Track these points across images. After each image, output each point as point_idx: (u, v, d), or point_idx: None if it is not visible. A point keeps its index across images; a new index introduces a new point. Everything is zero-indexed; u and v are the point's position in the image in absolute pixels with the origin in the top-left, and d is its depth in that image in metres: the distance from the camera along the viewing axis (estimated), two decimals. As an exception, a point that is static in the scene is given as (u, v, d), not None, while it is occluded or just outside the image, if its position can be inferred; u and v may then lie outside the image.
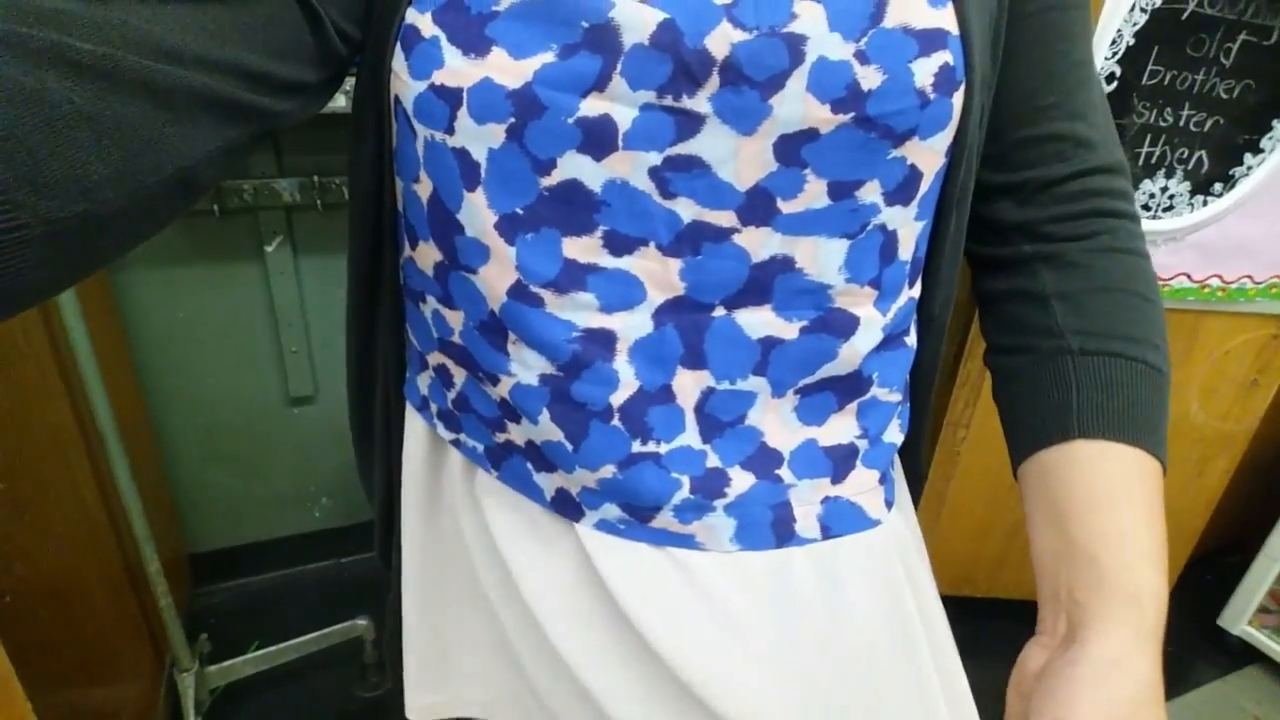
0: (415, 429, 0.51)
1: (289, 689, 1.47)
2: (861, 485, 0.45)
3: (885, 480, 0.47)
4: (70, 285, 0.30)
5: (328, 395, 1.62)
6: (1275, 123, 1.14)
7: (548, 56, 0.34)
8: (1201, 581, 1.81)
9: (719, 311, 0.39)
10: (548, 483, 0.44)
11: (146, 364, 1.45)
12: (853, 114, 0.35)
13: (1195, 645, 1.77)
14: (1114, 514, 0.39)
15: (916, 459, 0.54)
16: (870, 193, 0.37)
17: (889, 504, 0.47)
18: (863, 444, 0.45)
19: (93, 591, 1.12)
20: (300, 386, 1.57)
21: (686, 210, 0.37)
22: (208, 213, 1.34)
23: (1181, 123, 1.14)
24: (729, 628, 0.43)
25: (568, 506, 0.44)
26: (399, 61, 0.38)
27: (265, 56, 0.33)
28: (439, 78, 0.36)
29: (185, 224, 1.37)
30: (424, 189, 0.40)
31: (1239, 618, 1.70)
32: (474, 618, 0.51)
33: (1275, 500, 1.59)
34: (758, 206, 0.37)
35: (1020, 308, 0.45)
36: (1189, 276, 1.26)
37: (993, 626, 1.74)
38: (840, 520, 0.45)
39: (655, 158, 0.36)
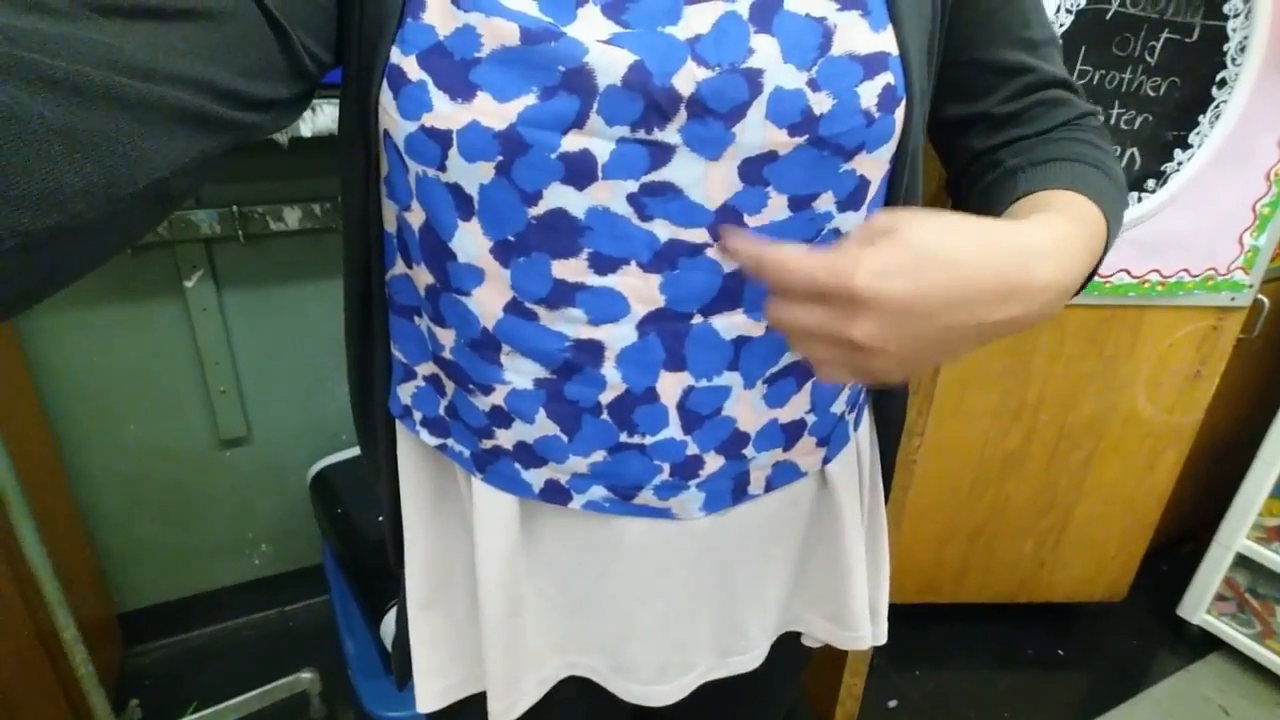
0: (406, 437, 0.54)
1: (232, 751, 1.38)
2: (804, 449, 0.51)
3: (824, 443, 0.53)
4: (40, 300, 0.31)
5: (262, 435, 1.54)
6: (1201, 119, 1.16)
7: (529, 99, 0.37)
8: (1158, 573, 1.83)
9: (697, 319, 0.43)
10: (536, 477, 0.48)
11: (59, 413, 1.36)
12: (807, 136, 0.39)
13: (1157, 637, 1.79)
14: (1034, 211, 0.42)
15: (893, 413, 0.61)
16: (825, 203, 0.42)
17: (825, 460, 0.55)
18: (810, 418, 0.50)
19: (5, 665, 1.03)
20: (231, 428, 1.49)
21: (663, 230, 0.40)
22: (120, 249, 1.26)
23: (1112, 121, 1.15)
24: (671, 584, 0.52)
25: (556, 494, 0.49)
26: (386, 98, 0.40)
27: (235, 74, 0.34)
28: (428, 120, 0.38)
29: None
30: (416, 218, 0.43)
31: (1197, 607, 1.72)
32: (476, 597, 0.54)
33: (1224, 489, 1.62)
34: (727, 222, 0.40)
35: (982, 170, 0.50)
36: (1129, 272, 1.27)
37: (958, 632, 1.74)
38: (781, 476, 0.52)
39: (632, 185, 0.39)
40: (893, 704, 1.58)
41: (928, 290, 0.33)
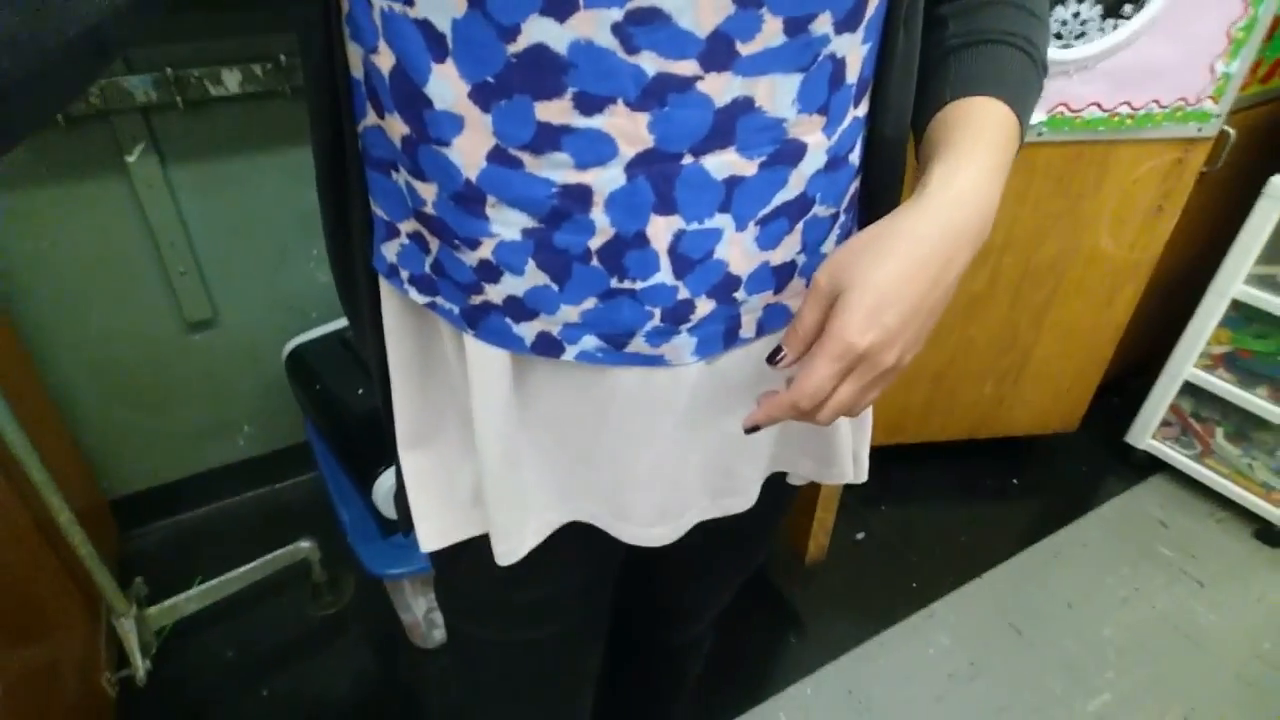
0: (390, 294, 0.53)
1: (241, 619, 1.45)
2: (795, 291, 0.51)
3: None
4: None
5: (230, 316, 1.51)
6: (1181, -64, 1.11)
7: None
8: (1110, 405, 1.94)
9: (687, 159, 0.41)
10: (527, 330, 0.48)
11: (16, 304, 1.31)
12: None
13: (1105, 463, 1.92)
14: (952, 134, 0.45)
15: None
16: (823, 24, 0.40)
17: None
18: (801, 258, 0.49)
19: (2, 551, 1.05)
20: (196, 310, 1.45)
21: (650, 64, 0.38)
22: (51, 123, 1.18)
23: (1091, -58, 1.11)
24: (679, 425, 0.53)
25: (548, 346, 0.48)
26: None
27: None
28: None
29: (28, 139, 1.20)
30: (385, 60, 0.40)
31: (1144, 433, 1.83)
32: (468, 443, 0.55)
33: (1175, 323, 1.69)
34: (718, 52, 0.38)
35: (924, 36, 0.50)
36: (1100, 106, 1.26)
37: (921, 469, 1.84)
38: (772, 320, 0.51)
39: (617, 13, 0.36)
40: (860, 536, 1.69)
41: (908, 303, 0.41)
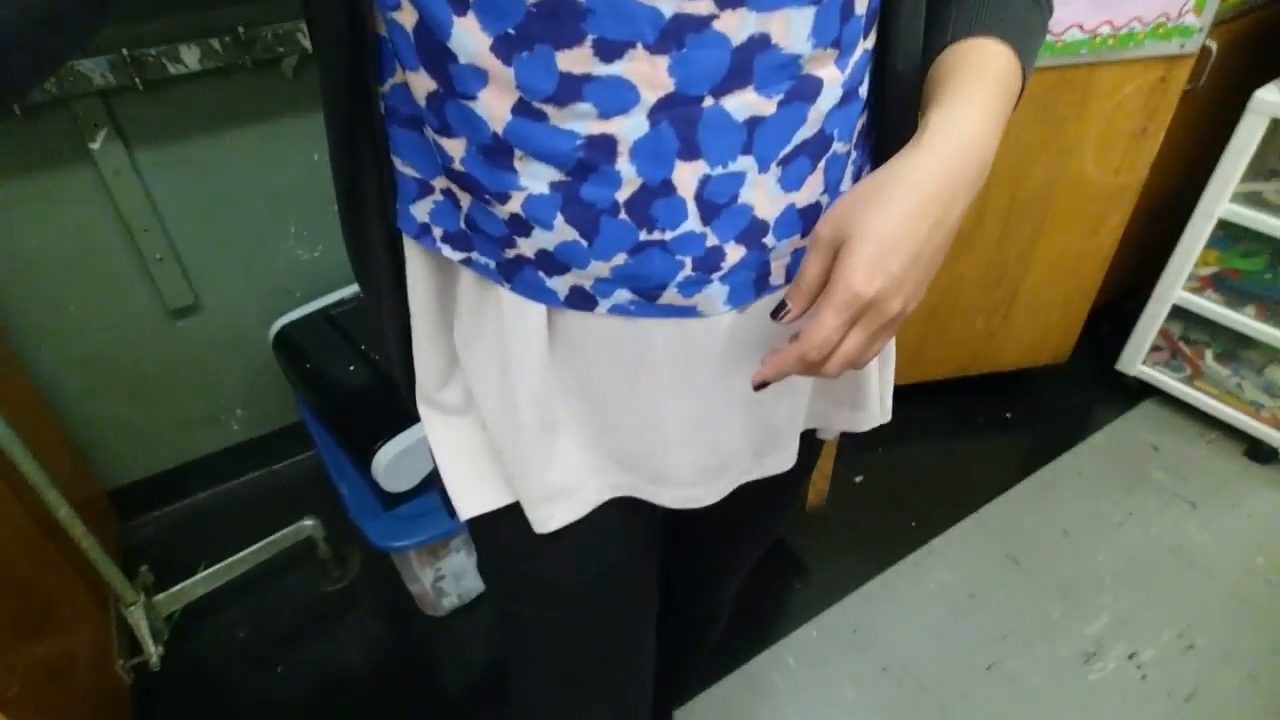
0: (416, 255, 0.53)
1: (250, 600, 1.46)
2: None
3: None
4: None
5: (212, 301, 1.49)
6: None
7: None
8: (1099, 334, 1.95)
9: (708, 101, 0.41)
10: (560, 284, 0.48)
11: (-9, 301, 1.29)
12: None
13: (1097, 392, 1.93)
14: (952, 77, 0.45)
15: None
16: None
17: None
18: (825, 199, 0.49)
19: (5, 550, 1.05)
20: (177, 297, 1.43)
21: (667, 5, 0.38)
22: (6, 113, 1.15)
23: None
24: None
25: (581, 299, 0.49)
26: None
27: None
28: None
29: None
30: (407, 17, 0.41)
31: (1134, 359, 1.84)
32: (500, 405, 0.56)
33: (1162, 248, 1.68)
34: None
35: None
36: (1081, 27, 1.23)
37: (915, 409, 1.85)
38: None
39: None
40: (858, 479, 1.71)
41: (912, 249, 0.41)
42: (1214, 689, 1.30)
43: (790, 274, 0.51)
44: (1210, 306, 1.66)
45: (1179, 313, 1.73)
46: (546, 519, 0.57)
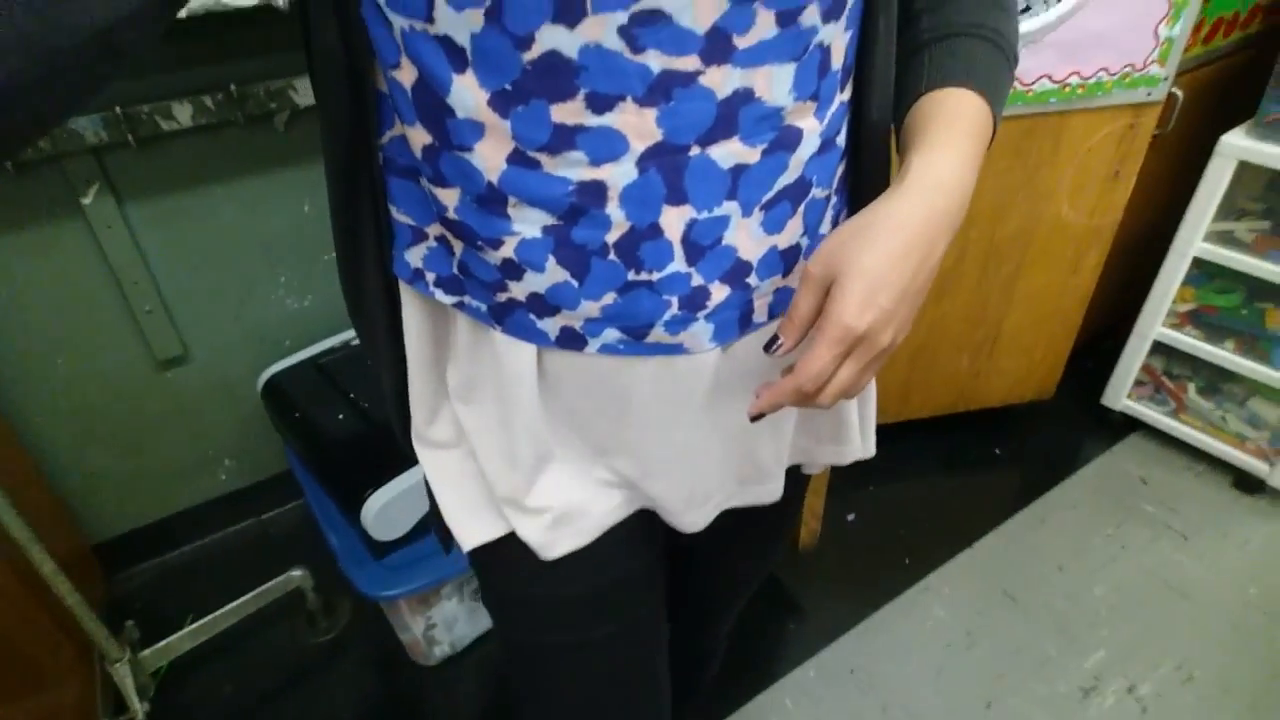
0: (410, 300, 0.55)
1: (238, 653, 1.44)
2: (799, 271, 0.53)
3: None
4: None
5: (200, 352, 1.50)
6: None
7: None
8: (1084, 370, 1.97)
9: (695, 150, 0.44)
10: (551, 325, 0.50)
11: (-21, 355, 1.29)
12: None
13: (1084, 427, 1.95)
14: (929, 125, 0.48)
15: None
16: (811, 15, 0.43)
17: None
18: (805, 241, 0.52)
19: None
20: (166, 348, 1.44)
21: (655, 61, 0.40)
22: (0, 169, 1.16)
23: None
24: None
25: (572, 340, 0.50)
26: None
27: None
28: None
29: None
30: (407, 75, 0.43)
31: (1119, 394, 1.86)
32: (498, 436, 0.57)
33: (1141, 283, 1.72)
34: (717, 46, 0.41)
35: (900, 32, 0.53)
36: (1050, 78, 1.27)
37: (904, 447, 1.86)
38: (782, 303, 0.53)
39: (622, 16, 0.39)
40: (851, 517, 1.71)
41: (899, 285, 0.43)
42: (1213, 725, 1.29)
43: (773, 312, 0.53)
44: (1190, 341, 1.69)
45: (1160, 348, 1.76)
46: (550, 545, 0.58)
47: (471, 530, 0.60)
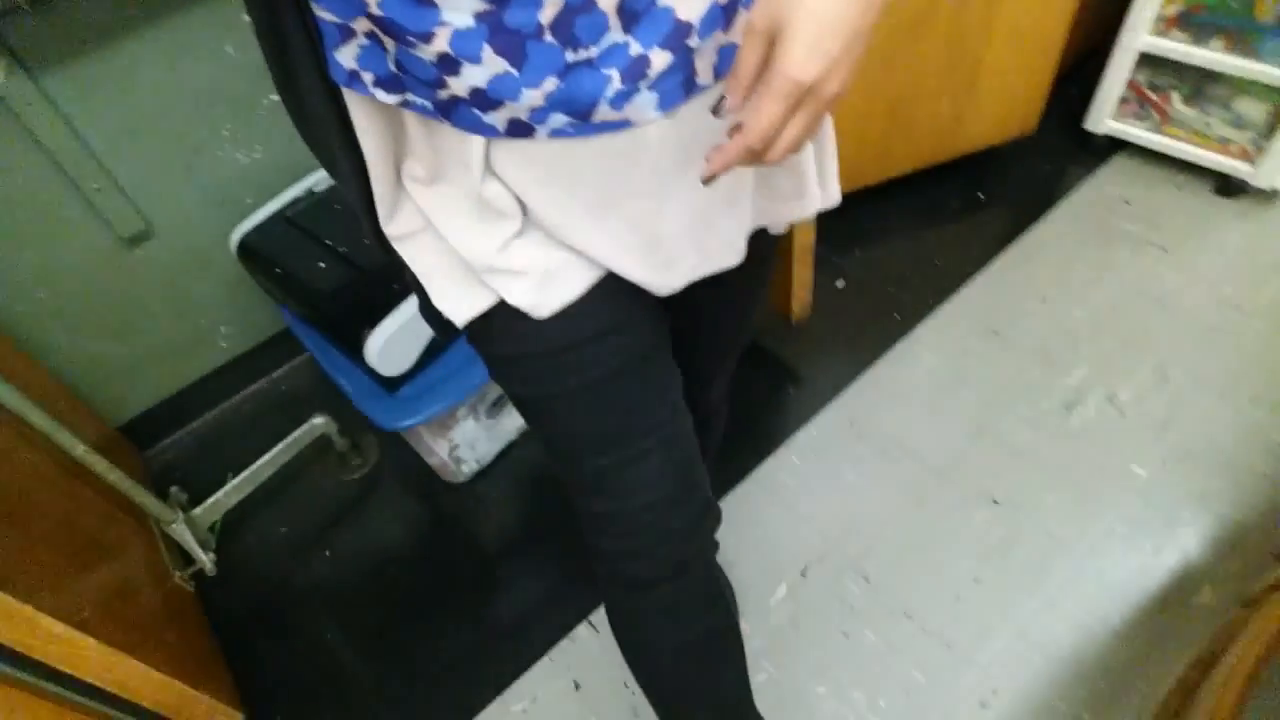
0: (357, 103, 0.53)
1: (284, 498, 1.54)
2: (741, 24, 0.50)
3: None
4: None
5: (164, 222, 1.46)
6: None
7: None
8: (1066, 98, 1.91)
9: None
10: (497, 119, 0.50)
11: (-58, 262, 1.26)
12: None
13: (1067, 156, 1.92)
14: None
15: None
16: None
17: None
18: None
19: (36, 498, 1.10)
20: (127, 224, 1.40)
21: None
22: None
23: None
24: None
25: (520, 129, 0.50)
26: None
27: None
28: None
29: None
30: None
31: (1102, 115, 1.82)
32: (480, 221, 0.58)
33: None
34: None
35: None
36: None
37: (886, 206, 1.85)
38: (726, 61, 0.51)
39: None
40: (840, 284, 1.74)
41: (847, 28, 0.41)
42: (1187, 414, 1.39)
43: (718, 72, 0.52)
44: (1177, 46, 1.62)
45: (1145, 60, 1.69)
46: (540, 305, 0.59)
47: (462, 305, 0.61)
